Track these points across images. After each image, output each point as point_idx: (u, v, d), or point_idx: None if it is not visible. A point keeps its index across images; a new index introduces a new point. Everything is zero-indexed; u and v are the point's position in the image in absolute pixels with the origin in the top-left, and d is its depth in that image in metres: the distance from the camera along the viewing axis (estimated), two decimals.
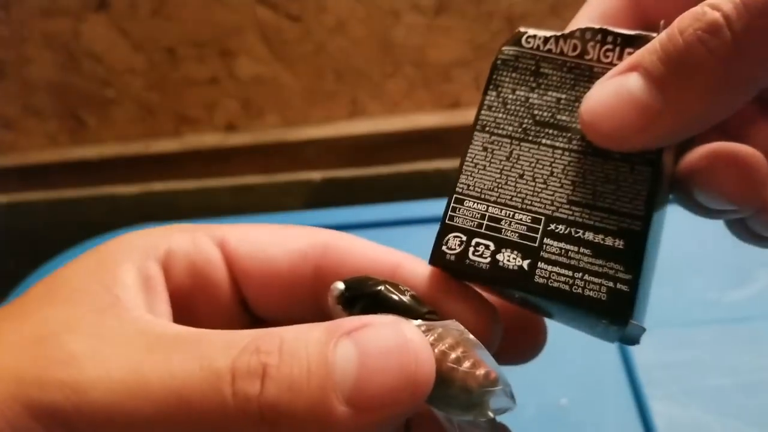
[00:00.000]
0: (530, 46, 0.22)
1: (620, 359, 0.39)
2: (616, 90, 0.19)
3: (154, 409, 0.14)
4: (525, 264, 0.20)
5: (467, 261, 0.20)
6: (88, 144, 0.77)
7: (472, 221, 0.21)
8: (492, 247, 0.20)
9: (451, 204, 0.21)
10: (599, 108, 0.19)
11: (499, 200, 0.21)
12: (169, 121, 0.75)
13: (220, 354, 0.15)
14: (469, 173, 0.22)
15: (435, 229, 0.21)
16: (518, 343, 0.22)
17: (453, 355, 0.16)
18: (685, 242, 0.46)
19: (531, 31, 0.22)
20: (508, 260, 0.20)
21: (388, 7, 0.65)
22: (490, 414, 0.17)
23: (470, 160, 0.22)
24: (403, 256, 0.21)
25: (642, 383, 0.37)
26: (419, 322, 0.18)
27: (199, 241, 0.19)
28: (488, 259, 0.20)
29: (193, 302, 0.20)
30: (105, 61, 0.71)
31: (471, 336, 0.17)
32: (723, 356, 0.38)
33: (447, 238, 0.21)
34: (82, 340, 0.15)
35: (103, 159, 0.77)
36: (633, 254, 0.19)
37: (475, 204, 0.21)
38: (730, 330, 0.39)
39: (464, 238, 0.20)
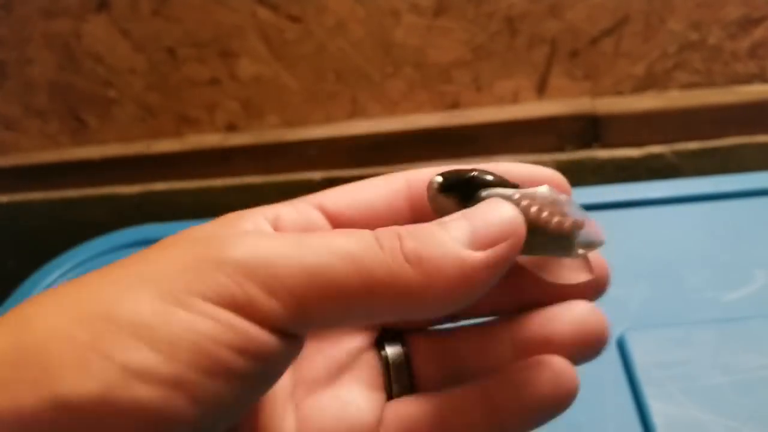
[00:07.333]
0: None
1: (619, 358, 0.39)
2: None
3: (340, 263, 0.18)
4: None
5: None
6: (89, 144, 0.78)
7: None
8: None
9: None
10: None
11: None
12: (170, 121, 0.75)
13: (364, 232, 0.19)
14: None
15: None
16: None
17: (545, 213, 0.20)
18: (683, 241, 0.47)
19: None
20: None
21: (387, 8, 0.66)
22: (580, 251, 0.21)
23: None
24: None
25: (641, 382, 0.37)
26: (513, 190, 0.21)
27: (299, 207, 0.22)
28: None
29: None
30: (106, 61, 0.71)
31: (559, 195, 0.21)
32: (721, 355, 0.38)
33: None
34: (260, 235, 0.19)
35: (104, 159, 0.77)
36: None
37: None
38: (728, 329, 0.39)
39: None
